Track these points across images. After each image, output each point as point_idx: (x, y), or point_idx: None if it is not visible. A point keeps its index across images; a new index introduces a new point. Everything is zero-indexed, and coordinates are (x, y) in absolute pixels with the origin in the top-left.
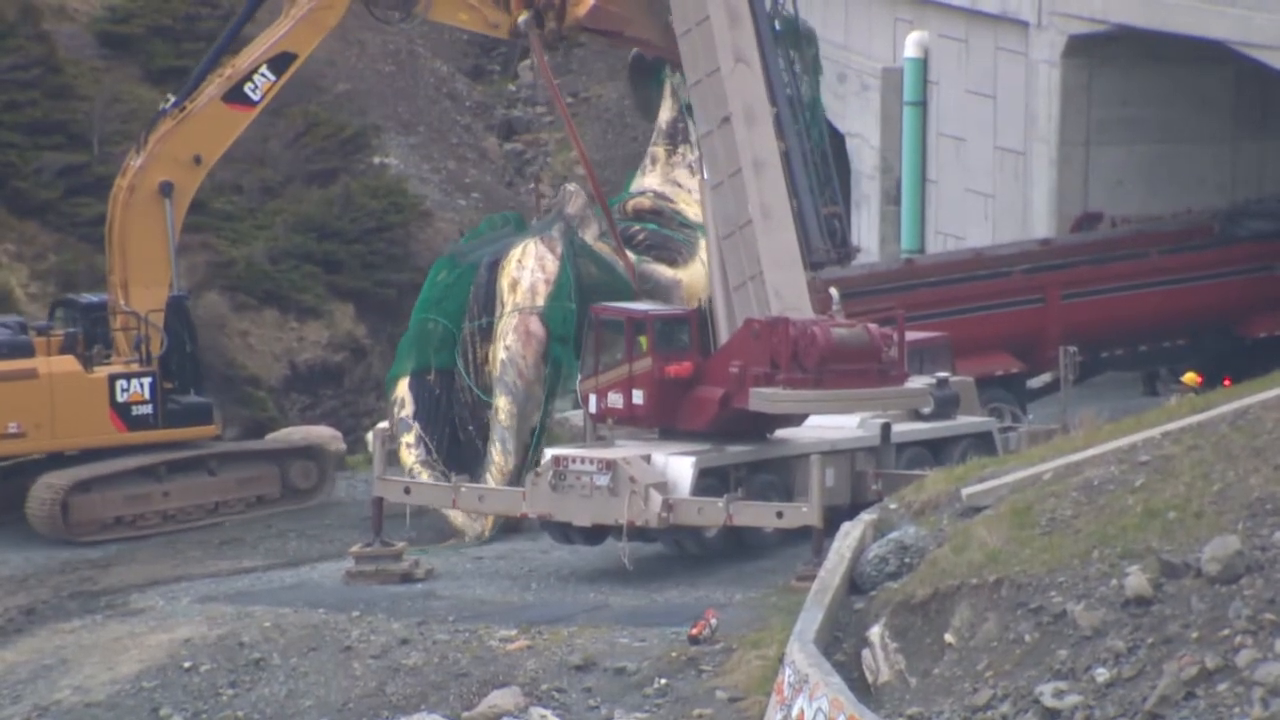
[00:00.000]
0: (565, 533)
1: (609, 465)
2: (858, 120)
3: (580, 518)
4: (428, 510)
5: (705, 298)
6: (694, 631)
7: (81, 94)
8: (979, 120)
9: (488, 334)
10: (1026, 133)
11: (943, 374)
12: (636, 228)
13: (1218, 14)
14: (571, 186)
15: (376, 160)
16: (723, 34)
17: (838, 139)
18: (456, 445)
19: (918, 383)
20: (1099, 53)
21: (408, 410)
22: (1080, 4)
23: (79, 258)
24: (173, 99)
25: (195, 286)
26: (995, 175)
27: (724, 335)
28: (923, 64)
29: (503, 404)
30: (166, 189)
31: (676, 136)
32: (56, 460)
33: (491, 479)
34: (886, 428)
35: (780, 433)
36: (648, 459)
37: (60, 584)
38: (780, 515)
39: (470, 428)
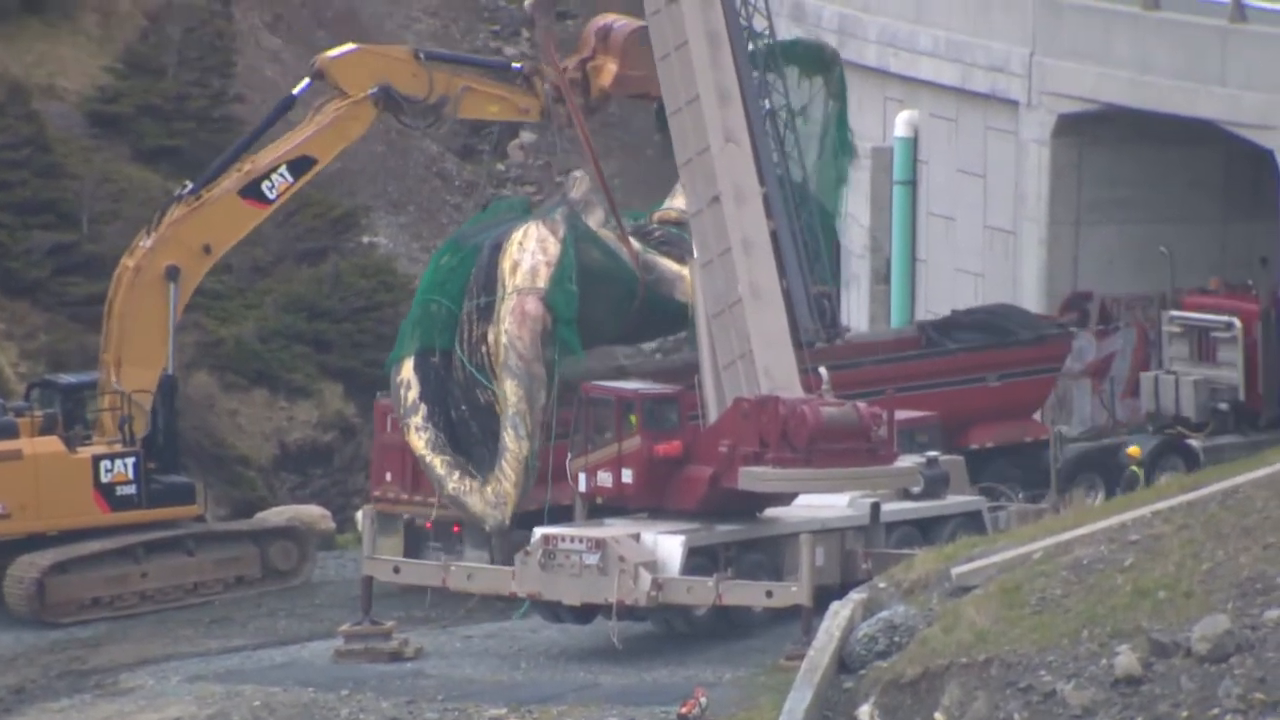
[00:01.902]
0: (555, 611)
1: (598, 544)
2: (848, 199)
3: (570, 596)
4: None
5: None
6: (684, 710)
7: (71, 173)
8: (969, 199)
9: (487, 314)
10: (1016, 212)
11: (932, 453)
12: (655, 226)
13: (1207, 93)
14: (577, 173)
15: (366, 239)
16: (712, 113)
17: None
18: (453, 426)
19: (907, 462)
20: (1089, 132)
21: (414, 392)
22: (1070, 83)
23: (69, 337)
24: (190, 185)
25: (184, 366)
26: (985, 254)
27: (713, 414)
28: (912, 143)
29: (510, 389)
30: (173, 273)
31: None
32: (36, 541)
33: (507, 466)
34: (876, 507)
35: (770, 512)
36: (637, 538)
37: (49, 663)
38: (770, 594)
39: (463, 407)
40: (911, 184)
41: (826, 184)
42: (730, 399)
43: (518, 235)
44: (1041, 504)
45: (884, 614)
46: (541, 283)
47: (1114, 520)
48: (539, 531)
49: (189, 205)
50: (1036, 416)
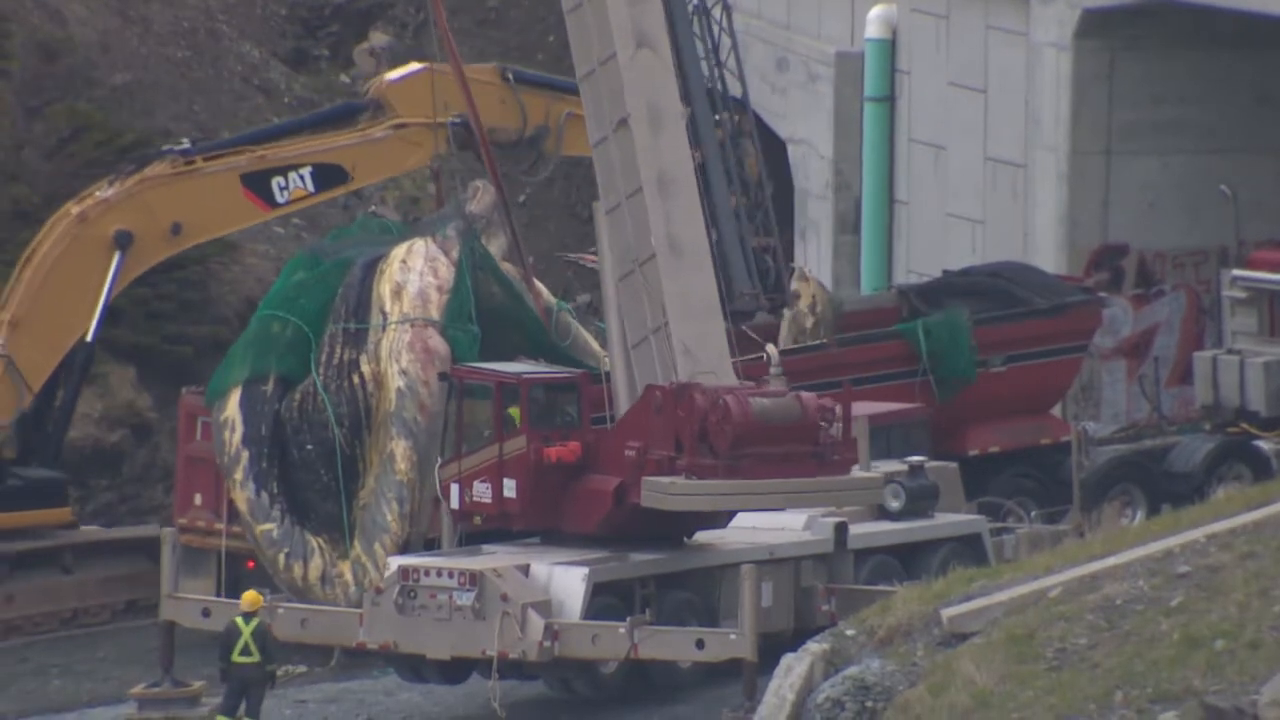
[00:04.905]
0: (416, 668)
1: (473, 579)
2: (803, 122)
3: (436, 649)
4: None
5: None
6: None
7: None
8: (964, 122)
9: (357, 341)
10: (1027, 139)
11: (917, 458)
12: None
13: None
14: (480, 183)
15: None
16: (620, 11)
17: (777, 146)
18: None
19: (871, 471)
20: (1124, 33)
21: (238, 435)
22: None
23: None
24: (187, 144)
25: None
26: (986, 195)
27: (623, 407)
28: (889, 47)
29: (400, 450)
30: (123, 240)
31: None
32: None
33: (382, 549)
34: (842, 529)
35: (700, 536)
36: (525, 571)
37: None
38: (701, 645)
39: (309, 446)
40: (888, 101)
41: None
42: (642, 387)
43: (399, 252)
44: (1061, 525)
45: (852, 670)
46: (435, 312)
47: (1157, 546)
48: (394, 563)
49: (174, 167)
50: (1055, 411)
